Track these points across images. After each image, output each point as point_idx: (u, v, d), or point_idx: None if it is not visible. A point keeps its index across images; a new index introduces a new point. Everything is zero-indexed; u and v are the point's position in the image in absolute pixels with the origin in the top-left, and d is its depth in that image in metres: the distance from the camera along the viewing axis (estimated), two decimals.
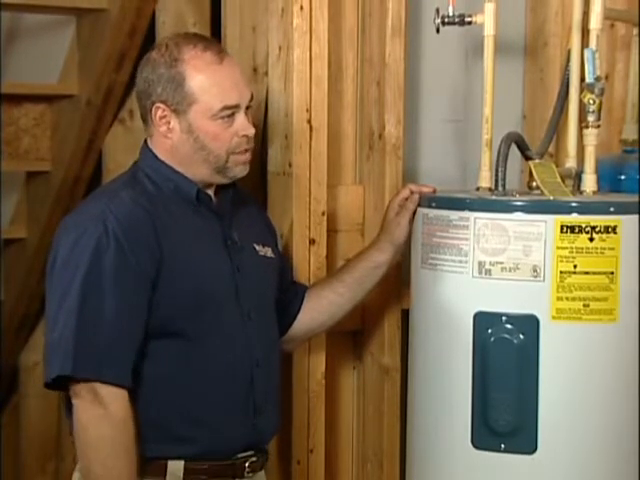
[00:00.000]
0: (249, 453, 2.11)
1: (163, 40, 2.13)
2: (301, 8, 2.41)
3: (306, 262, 2.45)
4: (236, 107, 2.07)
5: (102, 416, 1.92)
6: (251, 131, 2.09)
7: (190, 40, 2.08)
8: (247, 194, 2.28)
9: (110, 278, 1.95)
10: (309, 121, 2.44)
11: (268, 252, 2.23)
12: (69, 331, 1.93)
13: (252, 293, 2.12)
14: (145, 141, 2.14)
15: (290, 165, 2.45)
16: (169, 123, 2.07)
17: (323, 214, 2.48)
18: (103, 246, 1.95)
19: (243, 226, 2.18)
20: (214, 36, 2.86)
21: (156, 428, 2.00)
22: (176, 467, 2.02)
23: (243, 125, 2.08)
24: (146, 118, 2.10)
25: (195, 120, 2.05)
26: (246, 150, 2.10)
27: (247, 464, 2.10)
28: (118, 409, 1.93)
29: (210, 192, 2.13)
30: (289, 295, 2.32)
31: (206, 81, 2.05)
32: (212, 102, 2.05)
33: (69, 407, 1.98)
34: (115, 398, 1.93)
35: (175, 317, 2.01)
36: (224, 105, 2.05)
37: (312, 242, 2.46)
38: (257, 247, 2.19)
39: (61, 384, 1.96)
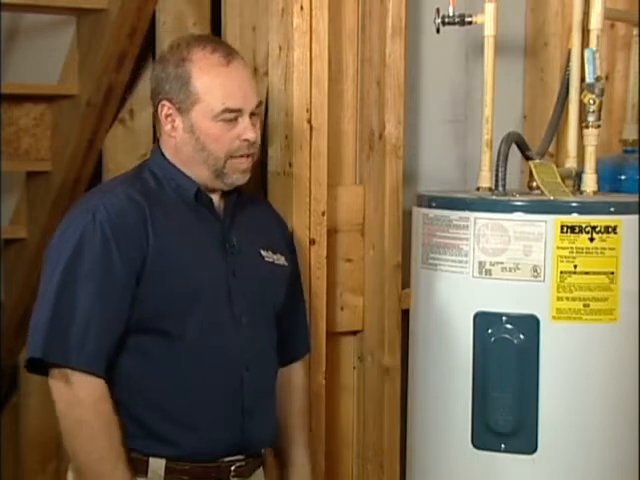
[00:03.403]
0: (237, 457, 2.08)
1: (176, 40, 2.14)
2: (301, 8, 2.41)
3: (306, 262, 2.45)
4: (239, 111, 2.05)
5: (74, 402, 1.94)
6: (252, 135, 2.06)
7: (201, 41, 2.09)
8: (265, 202, 2.30)
9: (90, 266, 1.95)
10: (309, 121, 2.44)
11: (279, 260, 2.19)
12: (45, 316, 1.94)
13: (248, 298, 2.10)
14: (158, 140, 2.15)
15: (290, 165, 2.45)
16: (174, 121, 2.07)
17: (323, 214, 2.47)
18: (88, 235, 1.96)
19: (248, 231, 2.15)
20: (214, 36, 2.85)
21: (138, 424, 2.00)
22: (157, 465, 2.01)
23: (245, 129, 2.06)
24: (157, 116, 2.11)
25: (197, 120, 2.05)
26: (247, 156, 2.08)
27: (232, 468, 2.07)
28: (88, 394, 1.93)
29: (214, 197, 2.11)
30: (291, 341, 2.27)
31: (210, 82, 2.04)
32: (214, 103, 2.04)
33: None
34: (85, 384, 1.93)
35: (160, 314, 2.00)
36: (226, 107, 2.04)
37: (312, 242, 2.46)
38: (264, 253, 2.16)
39: (43, 369, 1.97)
